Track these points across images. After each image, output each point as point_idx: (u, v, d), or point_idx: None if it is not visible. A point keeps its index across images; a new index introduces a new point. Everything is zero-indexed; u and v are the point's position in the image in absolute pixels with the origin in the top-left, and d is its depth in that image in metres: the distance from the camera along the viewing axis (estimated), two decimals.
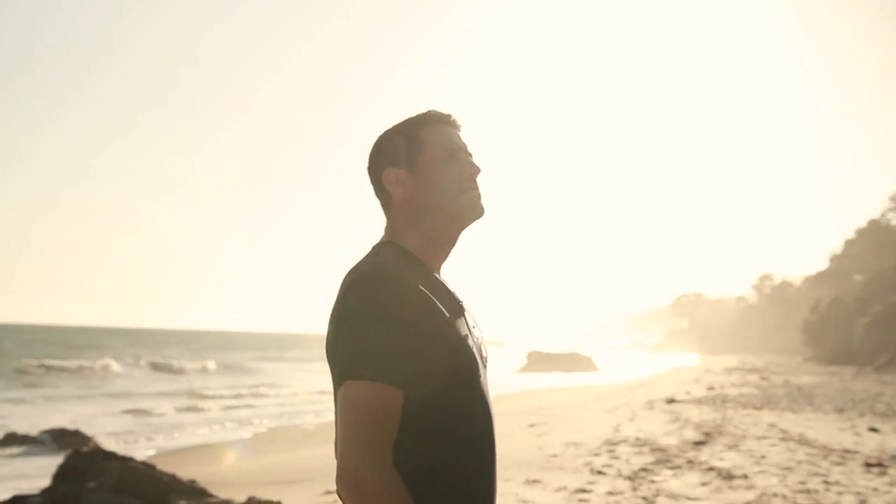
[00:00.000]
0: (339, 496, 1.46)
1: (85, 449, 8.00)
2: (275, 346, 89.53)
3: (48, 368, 32.91)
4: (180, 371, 37.23)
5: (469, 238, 1.67)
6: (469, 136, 1.68)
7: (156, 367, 38.25)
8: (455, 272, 1.70)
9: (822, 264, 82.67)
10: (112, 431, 14.77)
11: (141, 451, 11.33)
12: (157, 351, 57.09)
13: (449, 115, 1.66)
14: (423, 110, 1.67)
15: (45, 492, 6.63)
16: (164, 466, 7.37)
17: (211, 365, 40.81)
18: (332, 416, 1.56)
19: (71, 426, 13.62)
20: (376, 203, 1.68)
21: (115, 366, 35.47)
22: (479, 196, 1.62)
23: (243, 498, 6.68)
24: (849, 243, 76.72)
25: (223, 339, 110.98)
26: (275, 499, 6.71)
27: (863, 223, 75.93)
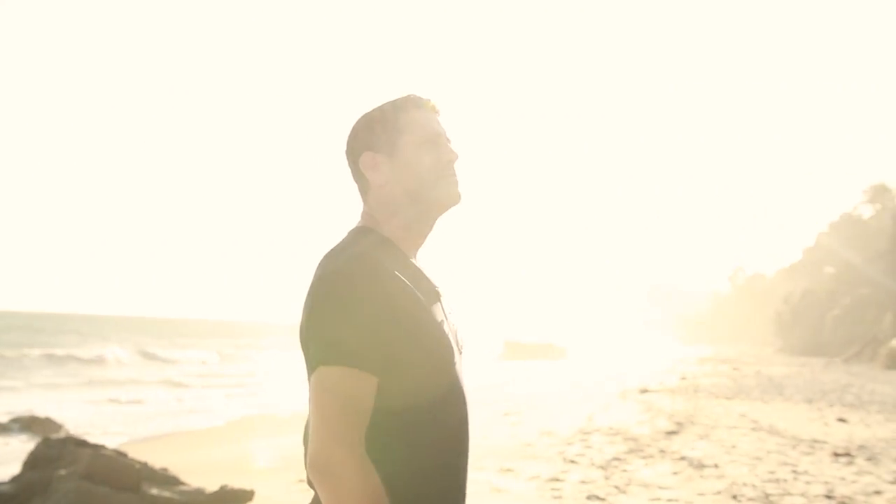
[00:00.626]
0: (310, 484, 1.45)
1: (56, 436, 7.91)
2: (251, 334, 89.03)
3: (47, 357, 32.51)
4: (164, 359, 37.07)
5: (446, 224, 1.66)
6: (449, 123, 1.66)
7: (144, 354, 38.06)
8: (434, 257, 1.69)
9: (796, 257, 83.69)
10: (84, 418, 14.65)
11: (113, 439, 11.23)
12: (143, 339, 56.91)
13: (428, 100, 1.64)
14: (404, 94, 1.65)
15: (15, 479, 6.55)
16: (137, 454, 7.30)
17: (191, 353, 40.69)
18: (304, 404, 1.55)
19: (43, 413, 13.48)
20: (353, 188, 1.66)
21: (105, 354, 35.28)
22: (456, 182, 1.61)
23: (216, 486, 6.64)
24: (821, 236, 77.67)
25: (202, 327, 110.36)
26: (248, 487, 6.68)
27: (836, 217, 76.88)
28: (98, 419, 14.75)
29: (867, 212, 71.81)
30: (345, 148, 1.65)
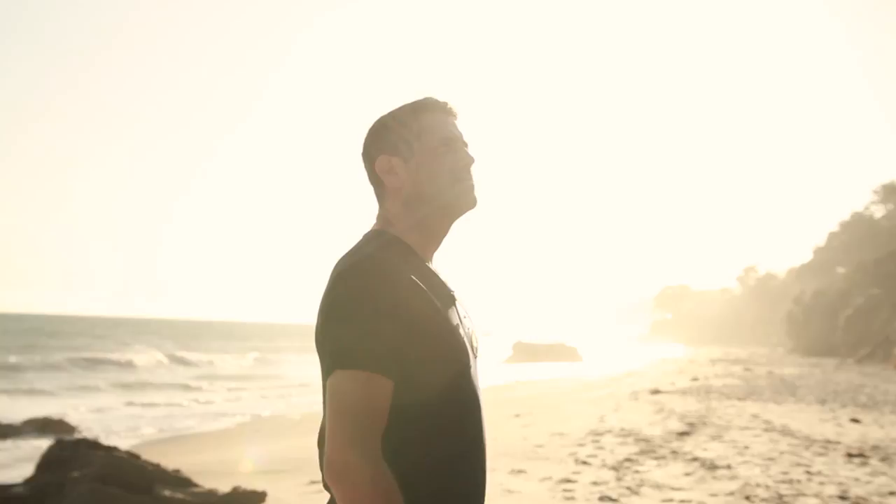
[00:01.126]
0: (326, 487, 1.45)
1: (69, 438, 7.95)
2: (296, 336, 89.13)
3: (74, 360, 32.57)
4: (194, 363, 37.11)
5: (460, 227, 1.65)
6: (467, 126, 1.65)
7: (175, 358, 38.01)
8: (444, 261, 1.68)
9: (807, 257, 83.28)
10: (99, 420, 14.73)
11: (126, 441, 11.28)
12: (183, 342, 57.67)
13: (446, 103, 1.63)
14: (421, 97, 1.64)
15: (28, 481, 6.59)
16: (150, 456, 7.33)
17: (226, 357, 40.82)
18: (317, 406, 1.55)
19: (58, 415, 13.55)
20: (370, 190, 1.65)
21: (137, 357, 35.48)
22: (472, 187, 1.60)
23: (228, 488, 6.66)
24: (832, 236, 77.28)
25: (251, 330, 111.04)
26: (260, 489, 6.70)
27: (846, 216, 76.51)
28: (112, 421, 14.82)
29: (879, 211, 71.43)
30: (361, 150, 1.65)
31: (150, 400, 19.25)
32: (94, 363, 32.66)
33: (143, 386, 23.92)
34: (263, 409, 17.34)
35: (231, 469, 8.56)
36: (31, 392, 21.10)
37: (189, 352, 42.89)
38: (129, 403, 18.32)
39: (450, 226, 1.62)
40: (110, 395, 20.76)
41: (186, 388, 23.77)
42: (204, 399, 20.27)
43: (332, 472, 1.35)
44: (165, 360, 36.94)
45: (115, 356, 35.70)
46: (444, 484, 1.45)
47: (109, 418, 15.40)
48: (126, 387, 23.29)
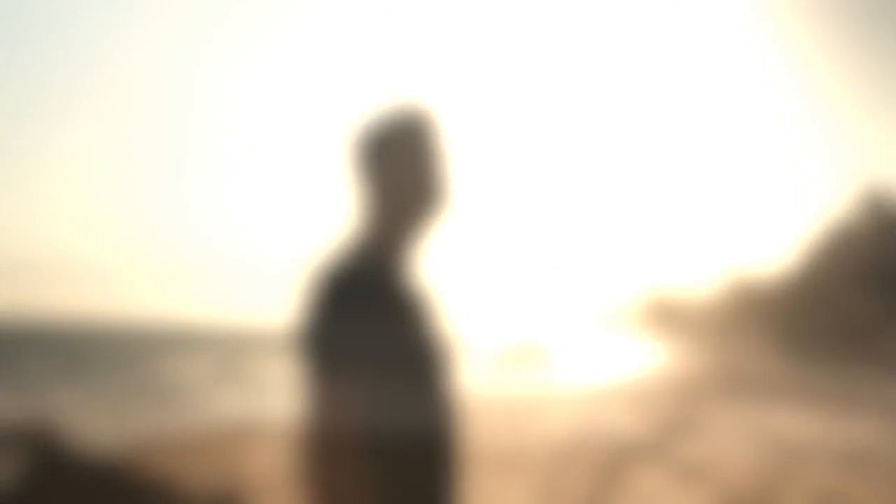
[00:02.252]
0: (305, 495, 1.43)
1: (51, 442, 7.88)
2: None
3: (87, 365, 32.18)
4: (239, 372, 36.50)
5: (440, 228, 1.63)
6: (446, 127, 1.63)
7: (225, 369, 37.32)
8: (424, 262, 1.67)
9: (790, 260, 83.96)
10: (85, 424, 14.64)
11: (111, 445, 11.20)
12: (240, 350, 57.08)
13: (428, 105, 1.62)
14: (404, 99, 1.62)
15: (9, 485, 6.53)
16: (133, 461, 7.28)
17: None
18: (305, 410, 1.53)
19: (44, 420, 13.44)
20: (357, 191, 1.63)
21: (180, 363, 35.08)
22: (451, 188, 1.58)
23: (212, 493, 6.62)
24: (816, 240, 77.89)
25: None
26: (245, 494, 6.66)
27: (830, 221, 77.12)
28: (98, 425, 14.72)
29: (861, 216, 72.02)
30: (345, 152, 1.63)
31: (141, 403, 19.08)
32: (91, 367, 32.34)
33: (137, 390, 23.67)
34: (250, 412, 17.25)
35: (216, 474, 8.51)
36: (21, 394, 20.89)
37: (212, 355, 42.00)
38: (117, 407, 18.19)
39: (429, 226, 1.60)
40: (102, 398, 20.58)
41: (185, 391, 23.54)
42: (199, 402, 20.13)
43: (307, 479, 1.35)
44: (222, 372, 36.17)
45: (113, 359, 35.39)
46: (419, 489, 1.43)
47: (96, 421, 15.29)
48: (119, 390, 23.06)
